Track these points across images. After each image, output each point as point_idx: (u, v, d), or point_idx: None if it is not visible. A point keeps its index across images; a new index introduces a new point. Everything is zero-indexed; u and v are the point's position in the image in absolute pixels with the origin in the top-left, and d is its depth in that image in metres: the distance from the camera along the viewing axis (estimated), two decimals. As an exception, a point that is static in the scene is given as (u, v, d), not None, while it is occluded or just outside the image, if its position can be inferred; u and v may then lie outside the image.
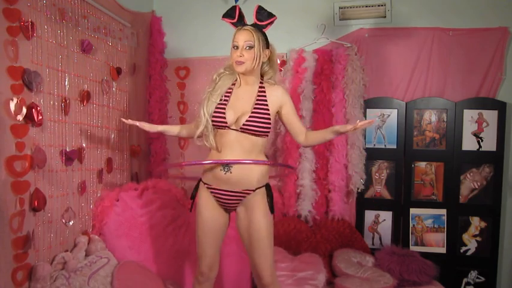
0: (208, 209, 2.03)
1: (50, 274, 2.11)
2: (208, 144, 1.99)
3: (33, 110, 2.05)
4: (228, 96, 1.99)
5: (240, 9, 1.98)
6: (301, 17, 3.32)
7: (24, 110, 2.00)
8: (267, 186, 2.03)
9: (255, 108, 1.95)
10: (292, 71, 3.20)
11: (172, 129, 2.21)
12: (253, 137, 1.94)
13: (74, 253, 2.35)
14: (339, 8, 3.27)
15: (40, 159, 2.11)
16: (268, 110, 1.96)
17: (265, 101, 1.97)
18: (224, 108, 1.95)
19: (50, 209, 2.22)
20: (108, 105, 2.83)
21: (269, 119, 1.95)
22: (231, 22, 1.99)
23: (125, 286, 2.33)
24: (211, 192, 2.01)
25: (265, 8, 1.99)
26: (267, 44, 1.99)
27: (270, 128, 1.96)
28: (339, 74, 3.13)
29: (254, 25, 1.97)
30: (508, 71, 3.05)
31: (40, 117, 2.09)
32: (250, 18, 2.00)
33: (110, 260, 2.49)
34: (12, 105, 1.95)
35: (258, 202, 1.98)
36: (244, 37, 1.92)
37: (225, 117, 1.93)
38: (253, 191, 1.97)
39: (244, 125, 1.92)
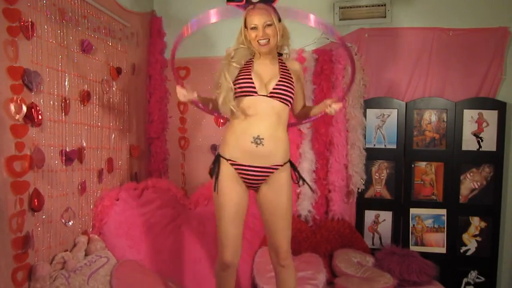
0: (233, 188, 1.93)
1: (49, 274, 2.10)
2: (228, 111, 1.91)
3: (33, 110, 2.04)
4: (251, 65, 1.96)
5: None
6: (301, 17, 3.32)
7: (24, 110, 2.00)
8: (291, 162, 2.03)
9: (282, 74, 1.95)
10: (292, 71, 3.20)
11: (205, 102, 2.07)
12: (280, 106, 1.92)
13: (74, 253, 2.35)
14: (339, 8, 3.27)
15: (39, 159, 2.10)
16: (292, 78, 1.98)
17: (288, 71, 1.99)
18: (250, 74, 1.92)
19: (50, 209, 2.21)
20: (108, 105, 2.83)
21: (294, 87, 1.97)
22: (238, 4, 1.99)
23: (124, 285, 2.33)
24: (236, 169, 1.93)
25: None
26: (279, 17, 1.96)
27: (293, 96, 1.98)
28: (339, 74, 3.13)
29: (264, 0, 1.97)
30: (508, 71, 3.05)
31: (40, 117, 2.09)
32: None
33: (110, 260, 2.49)
34: (12, 105, 1.95)
35: (284, 180, 1.96)
36: (262, 17, 1.89)
37: (253, 83, 1.90)
38: (281, 166, 1.95)
39: (274, 89, 1.90)
